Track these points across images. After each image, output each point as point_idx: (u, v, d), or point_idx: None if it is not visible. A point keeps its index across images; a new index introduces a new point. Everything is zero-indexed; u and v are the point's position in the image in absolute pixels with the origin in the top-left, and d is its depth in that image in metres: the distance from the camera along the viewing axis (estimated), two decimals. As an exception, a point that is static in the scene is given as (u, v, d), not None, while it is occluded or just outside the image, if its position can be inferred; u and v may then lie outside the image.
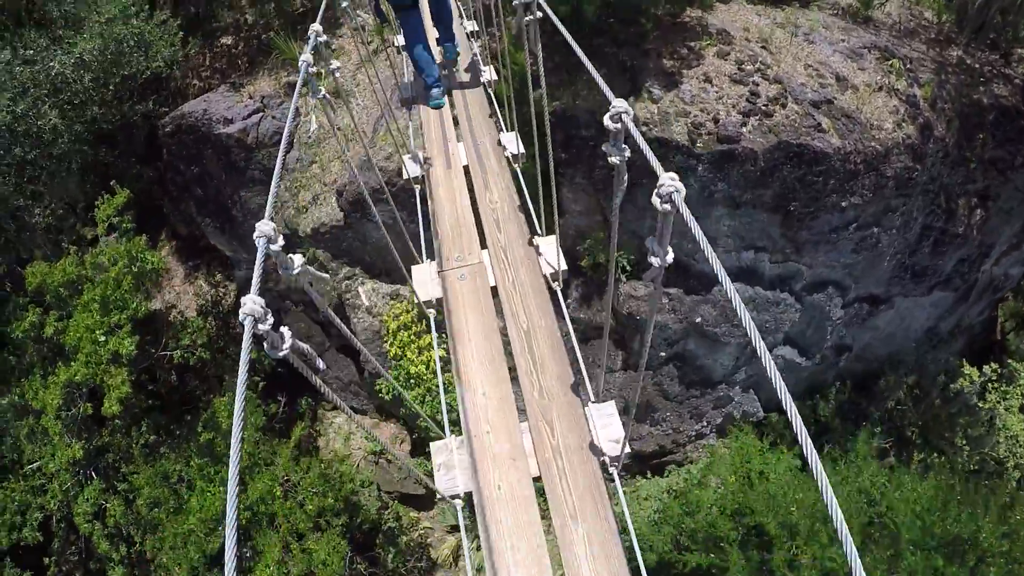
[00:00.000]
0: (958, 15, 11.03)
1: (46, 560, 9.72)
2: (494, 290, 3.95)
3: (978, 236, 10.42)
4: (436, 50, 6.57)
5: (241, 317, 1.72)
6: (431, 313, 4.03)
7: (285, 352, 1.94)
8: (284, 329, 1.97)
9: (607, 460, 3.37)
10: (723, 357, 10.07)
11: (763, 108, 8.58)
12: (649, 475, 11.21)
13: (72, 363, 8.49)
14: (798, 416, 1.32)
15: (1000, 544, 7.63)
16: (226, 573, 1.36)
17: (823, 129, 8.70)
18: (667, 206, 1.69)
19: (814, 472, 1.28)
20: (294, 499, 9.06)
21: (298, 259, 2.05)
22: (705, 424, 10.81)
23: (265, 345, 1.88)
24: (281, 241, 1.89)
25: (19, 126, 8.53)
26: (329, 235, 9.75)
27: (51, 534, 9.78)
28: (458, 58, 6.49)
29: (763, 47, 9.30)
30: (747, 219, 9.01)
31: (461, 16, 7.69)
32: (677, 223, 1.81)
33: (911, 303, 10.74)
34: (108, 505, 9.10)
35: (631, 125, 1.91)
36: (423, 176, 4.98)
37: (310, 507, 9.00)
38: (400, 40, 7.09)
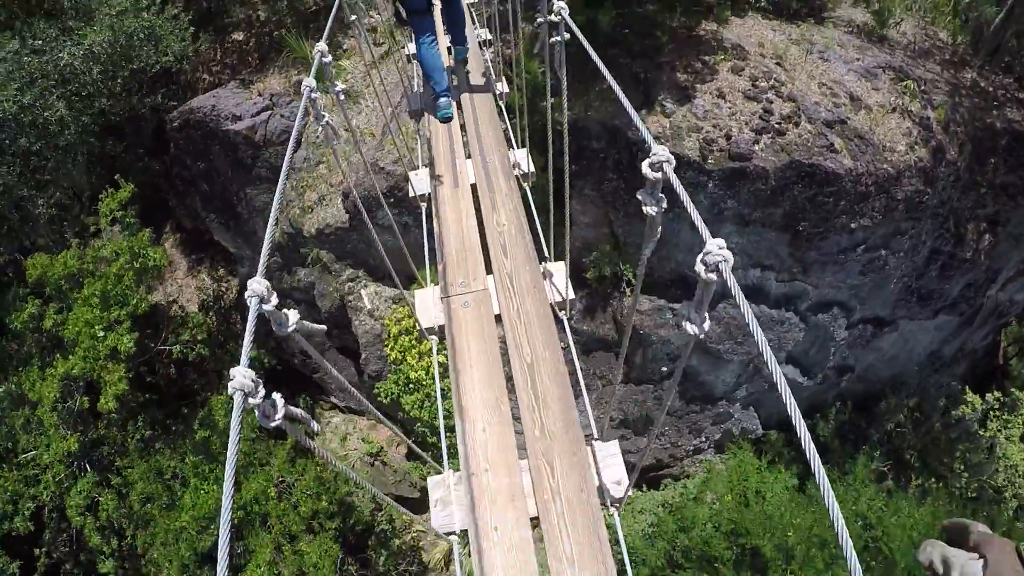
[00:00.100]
0: (973, 37, 10.84)
1: (37, 551, 9.57)
2: (498, 318, 3.77)
3: (986, 261, 10.24)
4: (447, 59, 6.39)
5: (230, 391, 1.57)
6: (433, 340, 3.86)
7: (278, 421, 1.76)
8: (276, 396, 1.78)
9: (608, 502, 3.20)
10: (725, 374, 9.90)
11: (776, 126, 8.39)
12: (645, 488, 11.05)
13: (70, 356, 8.34)
14: (807, 434, 1.25)
15: None
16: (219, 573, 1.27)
17: (836, 149, 8.51)
18: (712, 275, 1.53)
19: (823, 495, 1.18)
20: (288, 500, 8.90)
21: (293, 316, 1.85)
22: (703, 439, 10.64)
23: (256, 413, 1.72)
24: (275, 300, 1.71)
25: (25, 116, 8.36)
26: (334, 236, 9.59)
27: (43, 524, 9.63)
28: (467, 59, 6.28)
29: (777, 63, 9.12)
30: (755, 237, 8.83)
31: (474, 23, 7.51)
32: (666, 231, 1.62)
33: (915, 326, 10.56)
34: (101, 498, 8.96)
35: (672, 175, 1.72)
36: (430, 194, 4.79)
37: (304, 509, 8.85)
38: (412, 48, 6.91)
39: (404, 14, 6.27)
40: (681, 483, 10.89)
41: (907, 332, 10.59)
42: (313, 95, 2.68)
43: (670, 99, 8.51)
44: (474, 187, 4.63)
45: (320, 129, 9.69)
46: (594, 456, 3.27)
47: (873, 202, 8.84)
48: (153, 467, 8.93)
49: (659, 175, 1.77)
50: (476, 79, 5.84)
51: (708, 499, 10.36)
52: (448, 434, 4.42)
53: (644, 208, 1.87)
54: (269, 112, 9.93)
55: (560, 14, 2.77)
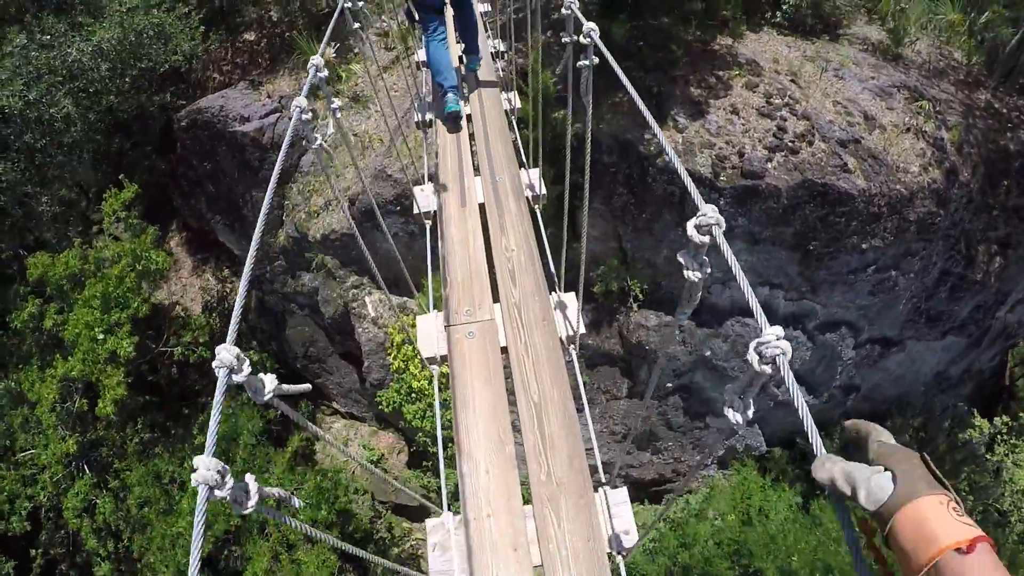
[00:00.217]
0: (988, 58, 10.59)
1: (33, 552, 9.37)
2: (503, 350, 3.55)
3: (996, 283, 10.00)
4: (456, 61, 6.17)
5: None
6: (434, 370, 3.63)
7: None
8: (265, 376, 1.62)
9: (616, 552, 2.99)
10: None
11: (790, 144, 8.16)
12: (646, 502, 10.82)
13: (70, 358, 8.14)
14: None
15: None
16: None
17: (849, 169, 8.28)
18: (767, 367, 1.35)
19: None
20: (286, 508, 8.69)
21: (269, 382, 1.62)
22: (707, 455, 10.41)
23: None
24: (247, 369, 1.49)
25: (31, 112, 8.15)
26: (339, 242, 9.38)
27: (39, 525, 9.44)
28: (479, 70, 6.04)
29: (792, 80, 8.88)
30: (765, 255, 8.61)
31: (487, 30, 7.28)
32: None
33: (923, 347, 10.32)
34: (98, 501, 8.76)
35: (721, 239, 1.51)
36: (435, 212, 4.55)
37: (303, 517, 8.63)
38: (421, 55, 6.69)
39: (416, 14, 6.06)
40: (683, 498, 10.67)
41: (914, 352, 10.35)
42: (304, 116, 2.44)
43: (683, 114, 8.28)
44: (482, 206, 4.38)
45: (331, 127, 9.36)
46: (603, 504, 3.05)
47: (885, 223, 8.61)
48: (151, 471, 8.73)
49: (706, 239, 1.54)
50: (488, 91, 5.58)
51: (710, 515, 10.14)
52: (447, 459, 4.20)
53: (685, 272, 1.65)
54: (278, 115, 9.72)
55: (590, 36, 2.54)
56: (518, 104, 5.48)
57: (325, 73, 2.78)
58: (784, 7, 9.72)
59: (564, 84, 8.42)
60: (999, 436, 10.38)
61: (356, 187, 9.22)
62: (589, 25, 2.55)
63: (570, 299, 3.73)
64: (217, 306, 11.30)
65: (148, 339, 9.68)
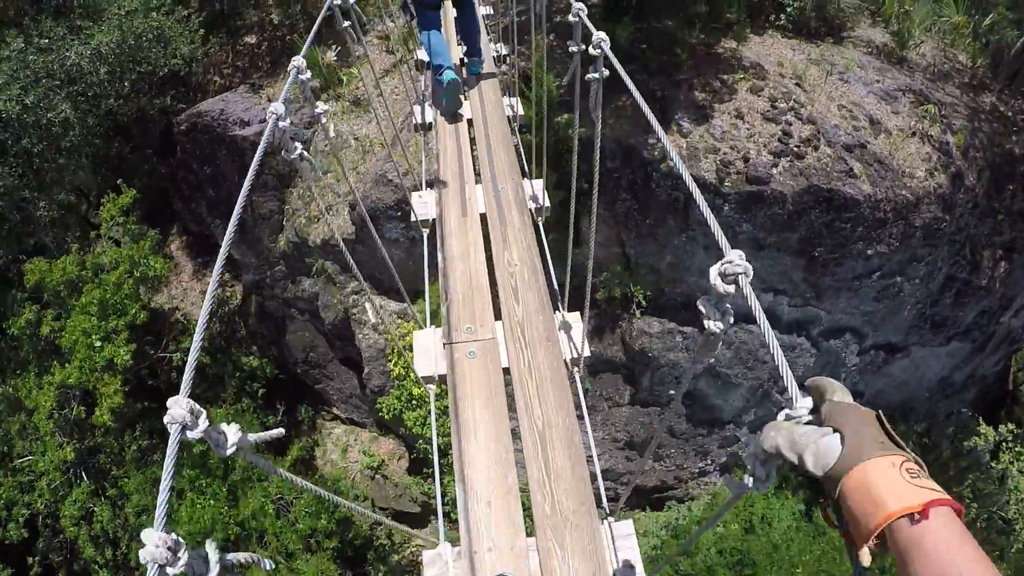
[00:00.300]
0: (993, 60, 10.38)
1: (30, 559, 9.20)
2: (506, 370, 3.35)
3: (1001, 288, 9.80)
4: (458, 67, 5.97)
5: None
6: (431, 390, 3.42)
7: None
8: (227, 427, 1.41)
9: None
10: (734, 398, 9.48)
11: (795, 149, 7.97)
12: (648, 509, 10.63)
13: (67, 365, 7.95)
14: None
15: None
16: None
17: (855, 174, 8.08)
18: (730, 288, 1.36)
19: None
20: (286, 517, 8.50)
21: (232, 433, 1.39)
22: (709, 462, 10.22)
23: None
24: (203, 424, 1.28)
25: (28, 117, 7.95)
26: (339, 248, 9.17)
27: (37, 532, 9.26)
28: (481, 74, 5.82)
29: (797, 84, 8.69)
30: (769, 261, 8.41)
31: (488, 33, 7.08)
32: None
33: (927, 352, 10.12)
34: (96, 509, 8.57)
35: (748, 289, 1.34)
36: (434, 220, 4.33)
37: (302, 526, 8.45)
38: (421, 54, 6.49)
39: (412, 8, 5.88)
40: (685, 505, 10.47)
41: (919, 358, 10.15)
42: (282, 123, 2.23)
43: (687, 118, 8.09)
44: (483, 216, 4.18)
45: (331, 131, 9.11)
46: (608, 537, 2.86)
47: (890, 228, 8.41)
48: (149, 478, 8.55)
49: (731, 288, 1.35)
50: (489, 97, 5.37)
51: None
52: (444, 482, 3.99)
53: (705, 322, 1.46)
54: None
55: (600, 47, 2.33)
56: (520, 110, 5.26)
57: (308, 75, 2.57)
58: (788, 9, 9.52)
59: (568, 89, 8.23)
60: (1004, 443, 10.17)
61: (357, 191, 9.02)
62: (599, 35, 2.34)
63: (574, 319, 3.53)
64: (217, 310, 11.11)
65: (147, 344, 9.49)
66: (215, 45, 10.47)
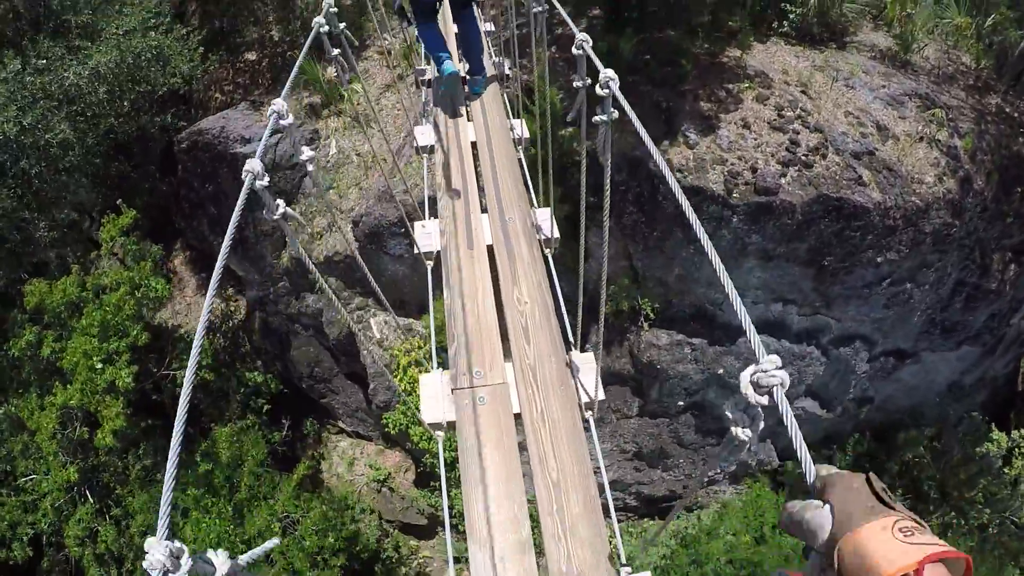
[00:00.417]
0: (997, 61, 10.15)
1: (35, 581, 8.99)
2: (517, 415, 3.10)
3: (1011, 291, 9.56)
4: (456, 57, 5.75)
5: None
6: (439, 436, 3.17)
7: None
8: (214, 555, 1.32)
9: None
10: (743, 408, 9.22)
11: (803, 158, 7.73)
12: (657, 519, 10.39)
13: (68, 386, 7.73)
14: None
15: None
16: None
17: (864, 182, 7.85)
18: (763, 399, 1.21)
19: None
20: (293, 535, 8.28)
21: (221, 563, 1.26)
22: (719, 471, 9.97)
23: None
24: (187, 564, 1.16)
25: (26, 138, 7.72)
26: (343, 264, 8.96)
27: (41, 551, 9.04)
28: (483, 93, 5.56)
29: (803, 91, 8.45)
30: (778, 271, 8.18)
31: (490, 48, 6.82)
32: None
33: (937, 357, 9.88)
34: (100, 529, 8.35)
35: (783, 400, 1.18)
36: (438, 253, 4.05)
37: (309, 544, 8.22)
38: (421, 66, 6.24)
39: (408, 11, 5.67)
40: (695, 514, 10.23)
41: (929, 363, 9.91)
42: (259, 183, 1.99)
43: (693, 129, 7.85)
44: (490, 248, 3.92)
45: (333, 147, 8.83)
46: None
47: (900, 235, 8.19)
48: (154, 497, 8.31)
49: (763, 400, 1.20)
50: (493, 118, 5.10)
51: (722, 531, 9.69)
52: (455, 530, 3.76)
53: (732, 428, 1.30)
54: (279, 136, 9.29)
55: (608, 86, 2.09)
56: (526, 133, 4.98)
57: (289, 120, 2.33)
58: (791, 16, 9.28)
59: (570, 100, 7.99)
60: (1016, 449, 9.92)
61: (359, 208, 8.80)
62: (607, 73, 2.09)
63: (587, 360, 3.29)
64: (221, 326, 10.89)
65: (151, 362, 9.26)
66: (215, 62, 10.23)
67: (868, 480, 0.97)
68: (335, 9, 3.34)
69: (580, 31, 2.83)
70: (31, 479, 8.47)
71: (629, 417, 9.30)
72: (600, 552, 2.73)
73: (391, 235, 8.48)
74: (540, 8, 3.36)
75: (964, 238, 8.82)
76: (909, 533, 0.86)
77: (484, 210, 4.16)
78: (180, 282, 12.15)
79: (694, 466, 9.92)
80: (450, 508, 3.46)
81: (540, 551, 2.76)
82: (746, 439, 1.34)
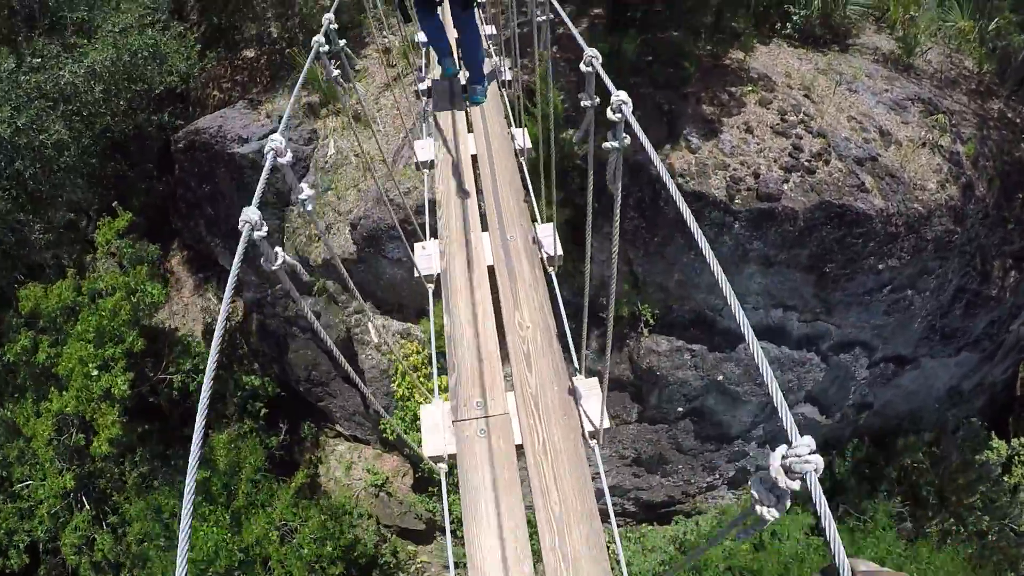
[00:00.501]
0: (1000, 66, 10.03)
1: (31, 587, 8.86)
2: (519, 446, 2.99)
3: (1011, 298, 9.46)
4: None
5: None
6: (441, 469, 3.06)
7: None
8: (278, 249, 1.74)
9: None
10: (742, 414, 9.14)
11: (806, 164, 7.62)
12: (655, 524, 10.30)
13: (64, 393, 7.60)
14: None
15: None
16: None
17: (866, 189, 7.73)
18: (794, 484, 1.14)
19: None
20: (291, 543, 8.16)
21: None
22: (717, 477, 9.89)
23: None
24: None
25: (20, 139, 7.56)
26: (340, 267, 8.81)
27: (38, 558, 8.91)
28: (484, 101, 5.41)
29: (805, 95, 8.33)
30: (779, 278, 8.07)
31: (491, 53, 6.66)
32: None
33: (937, 363, 9.79)
34: (97, 537, 8.22)
35: (816, 487, 1.09)
36: (438, 275, 3.92)
37: (306, 551, 8.11)
38: (421, 75, 6.10)
39: (408, 4, 5.59)
40: (693, 520, 10.14)
41: (928, 369, 9.82)
42: (256, 234, 1.82)
43: (696, 133, 7.73)
44: (491, 268, 3.78)
45: (331, 147, 8.65)
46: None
47: (902, 242, 8.08)
48: (151, 505, 8.19)
49: (795, 485, 1.11)
50: (494, 129, 4.95)
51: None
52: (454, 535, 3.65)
53: (757, 507, 1.19)
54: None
55: (621, 110, 1.94)
56: (528, 143, 4.82)
57: (288, 158, 2.18)
58: (794, 18, 9.15)
59: (571, 101, 7.86)
60: (1016, 457, 9.85)
61: (357, 210, 8.66)
62: (620, 96, 1.92)
63: (591, 386, 3.18)
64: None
65: (147, 365, 9.12)
66: (213, 60, 10.06)
67: None
68: (335, 26, 3.20)
69: (581, 34, 2.69)
70: (27, 485, 8.34)
71: (628, 423, 9.19)
72: (602, 584, 2.64)
73: (389, 238, 8.35)
74: (544, 17, 3.22)
75: (965, 245, 8.72)
76: None
77: (485, 228, 4.03)
78: (177, 282, 12.00)
79: (693, 472, 9.82)
80: (449, 513, 3.38)
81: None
82: (771, 519, 1.23)
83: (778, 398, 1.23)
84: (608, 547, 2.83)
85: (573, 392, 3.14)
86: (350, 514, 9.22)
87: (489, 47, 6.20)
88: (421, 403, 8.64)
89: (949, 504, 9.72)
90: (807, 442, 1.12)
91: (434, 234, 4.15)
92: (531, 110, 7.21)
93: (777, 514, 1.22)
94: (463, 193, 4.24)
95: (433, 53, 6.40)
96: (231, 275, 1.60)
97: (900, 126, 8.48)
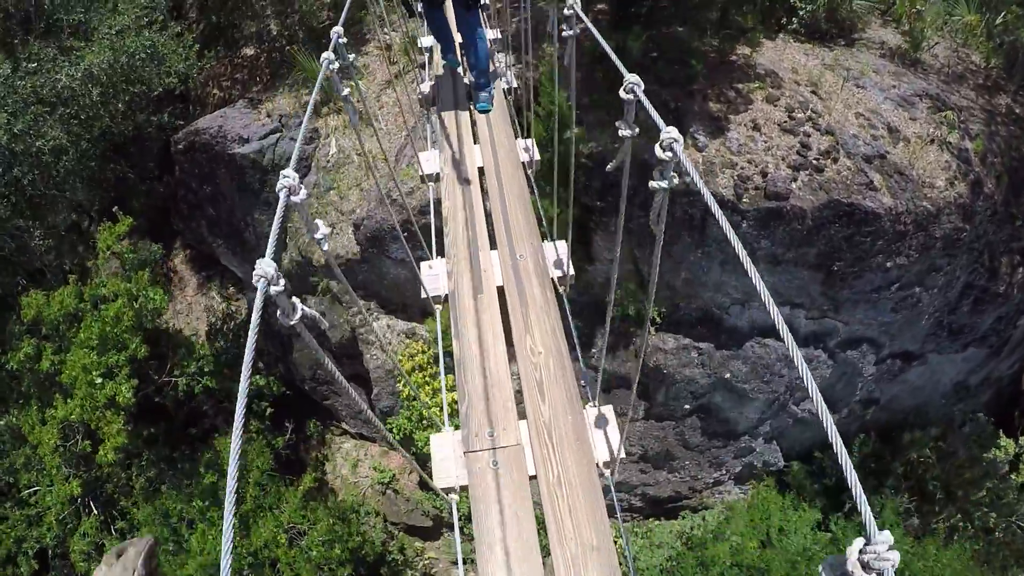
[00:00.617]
0: (1007, 60, 9.83)
1: (40, 592, 8.77)
2: (532, 478, 2.86)
3: (1018, 294, 9.32)
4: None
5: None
6: (452, 499, 2.92)
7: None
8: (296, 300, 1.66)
9: None
10: (749, 411, 9.03)
11: (814, 162, 7.45)
12: (662, 519, 10.21)
13: (69, 400, 7.48)
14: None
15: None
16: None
17: (875, 187, 7.58)
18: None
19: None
20: (299, 546, 8.07)
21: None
22: (724, 472, 9.80)
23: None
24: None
25: (17, 145, 7.39)
26: (344, 267, 8.67)
27: (47, 564, 8.83)
28: (491, 111, 5.23)
29: (813, 92, 8.15)
30: (787, 276, 7.93)
31: (497, 56, 6.47)
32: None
33: (944, 359, 9.67)
34: (105, 543, 8.13)
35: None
36: (446, 296, 3.72)
37: (315, 554, 8.03)
38: (424, 87, 5.92)
39: (416, 6, 5.45)
40: (700, 515, 10.06)
41: (935, 365, 9.71)
42: (273, 289, 1.61)
43: (703, 131, 7.56)
44: (500, 289, 3.62)
45: (333, 146, 8.45)
46: None
47: (910, 240, 7.93)
48: (159, 510, 8.10)
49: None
50: (501, 140, 4.76)
51: (728, 533, 9.51)
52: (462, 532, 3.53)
53: None
54: (278, 135, 8.99)
55: (672, 148, 1.79)
56: (536, 155, 4.64)
57: (345, 39, 2.06)
58: (801, 12, 8.94)
59: (578, 104, 7.65)
60: (1023, 455, 9.74)
61: (360, 210, 8.50)
62: (670, 133, 1.73)
63: (606, 414, 3.04)
64: (222, 327, 10.61)
65: (151, 368, 8.99)
66: (211, 60, 9.86)
67: None
68: (344, 40, 3.01)
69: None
70: (35, 491, 8.24)
71: (634, 420, 9.08)
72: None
73: (393, 239, 8.20)
74: (573, 32, 3.02)
75: (973, 241, 8.57)
76: None
77: (493, 245, 3.87)
78: (180, 281, 11.87)
79: (699, 467, 9.73)
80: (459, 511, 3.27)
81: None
82: None
83: (852, 477, 1.14)
84: (615, 542, 2.73)
85: (587, 421, 3.00)
86: (357, 512, 9.13)
87: (495, 52, 5.99)
88: (428, 402, 8.54)
89: (956, 499, 9.62)
90: (885, 539, 1.05)
91: (440, 251, 3.98)
92: (537, 112, 7.04)
93: None
94: (470, 209, 4.07)
95: (436, 56, 6.23)
96: (249, 343, 1.45)
97: (908, 123, 8.30)
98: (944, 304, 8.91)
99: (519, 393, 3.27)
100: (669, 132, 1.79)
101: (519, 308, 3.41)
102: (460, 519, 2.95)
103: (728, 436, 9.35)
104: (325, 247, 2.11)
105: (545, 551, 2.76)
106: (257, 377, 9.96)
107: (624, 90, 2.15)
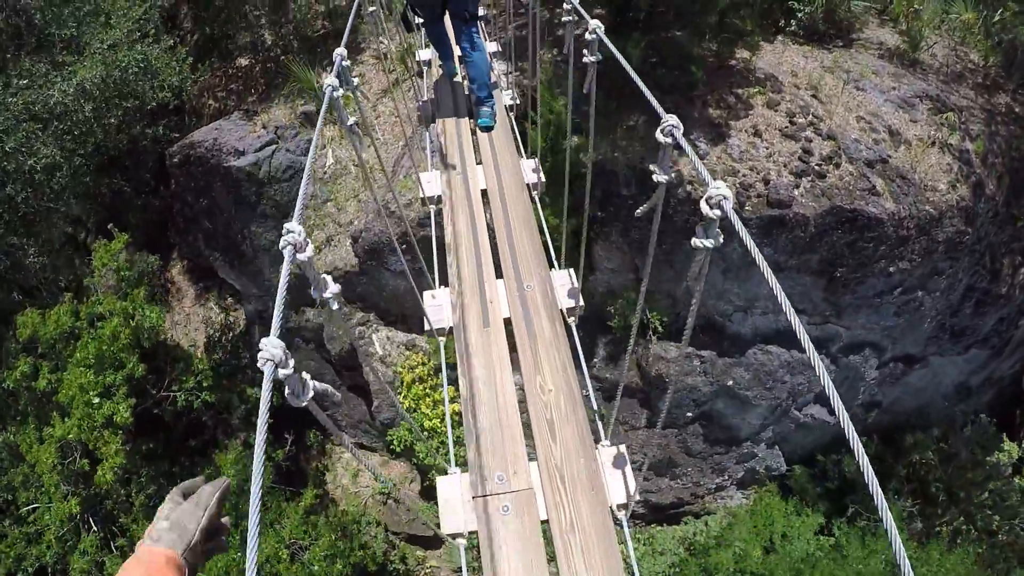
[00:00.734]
0: (1006, 59, 9.70)
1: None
2: (544, 521, 2.72)
3: (1020, 295, 9.20)
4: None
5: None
6: (461, 544, 2.78)
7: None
8: (306, 375, 1.54)
9: None
10: (752, 417, 8.91)
11: (816, 168, 7.32)
12: (664, 525, 10.09)
13: (66, 419, 7.32)
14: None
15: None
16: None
17: (877, 192, 7.45)
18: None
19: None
20: (300, 561, 7.94)
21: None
22: (727, 478, 9.68)
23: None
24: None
25: (9, 164, 7.21)
26: (342, 280, 8.52)
27: (46, 578, 8.68)
28: (493, 126, 5.08)
29: (813, 95, 8.01)
30: (789, 282, 7.80)
31: (496, 68, 6.32)
32: None
33: (946, 361, 9.56)
34: (106, 560, 7.98)
35: None
36: (450, 329, 3.55)
37: (317, 570, 7.89)
38: (423, 96, 5.77)
39: (412, 19, 5.31)
40: (702, 520, 9.94)
41: (937, 367, 9.59)
42: (281, 372, 1.46)
43: (703, 138, 7.42)
44: (507, 321, 3.47)
45: (330, 157, 8.32)
46: None
47: (913, 245, 7.81)
48: (158, 526, 7.91)
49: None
50: (505, 160, 4.59)
51: (731, 539, 9.39)
52: None
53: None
54: (273, 147, 8.82)
55: (721, 206, 1.64)
56: (542, 178, 4.47)
57: (349, 62, 1.91)
58: (798, 14, 8.80)
59: (579, 108, 7.51)
60: (1029, 458, 9.64)
61: (358, 222, 8.35)
62: (720, 189, 1.58)
63: (619, 454, 2.90)
64: (220, 339, 10.45)
65: (148, 383, 8.83)
66: (204, 72, 9.68)
67: None
68: (348, 63, 2.85)
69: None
70: (33, 509, 8.09)
71: (637, 429, 8.95)
72: None
73: (391, 251, 8.05)
74: (595, 58, 2.85)
75: (975, 244, 8.46)
76: None
77: (499, 274, 3.71)
78: (178, 292, 11.70)
79: (702, 473, 9.61)
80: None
81: None
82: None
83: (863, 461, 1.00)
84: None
85: (600, 462, 2.86)
86: (359, 524, 8.99)
87: (494, 67, 5.83)
88: (428, 414, 8.40)
89: (959, 502, 9.51)
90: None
91: (444, 279, 3.82)
92: (534, 119, 6.89)
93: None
94: (474, 236, 3.90)
95: (435, 68, 6.08)
96: (259, 439, 1.30)
97: (909, 125, 8.17)
98: (946, 307, 8.79)
99: (527, 426, 3.14)
100: (718, 188, 1.64)
101: (527, 343, 3.26)
102: (469, 568, 2.80)
103: (730, 442, 9.23)
104: (335, 307, 1.95)
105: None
106: (256, 389, 9.82)
107: (662, 132, 2.00)
